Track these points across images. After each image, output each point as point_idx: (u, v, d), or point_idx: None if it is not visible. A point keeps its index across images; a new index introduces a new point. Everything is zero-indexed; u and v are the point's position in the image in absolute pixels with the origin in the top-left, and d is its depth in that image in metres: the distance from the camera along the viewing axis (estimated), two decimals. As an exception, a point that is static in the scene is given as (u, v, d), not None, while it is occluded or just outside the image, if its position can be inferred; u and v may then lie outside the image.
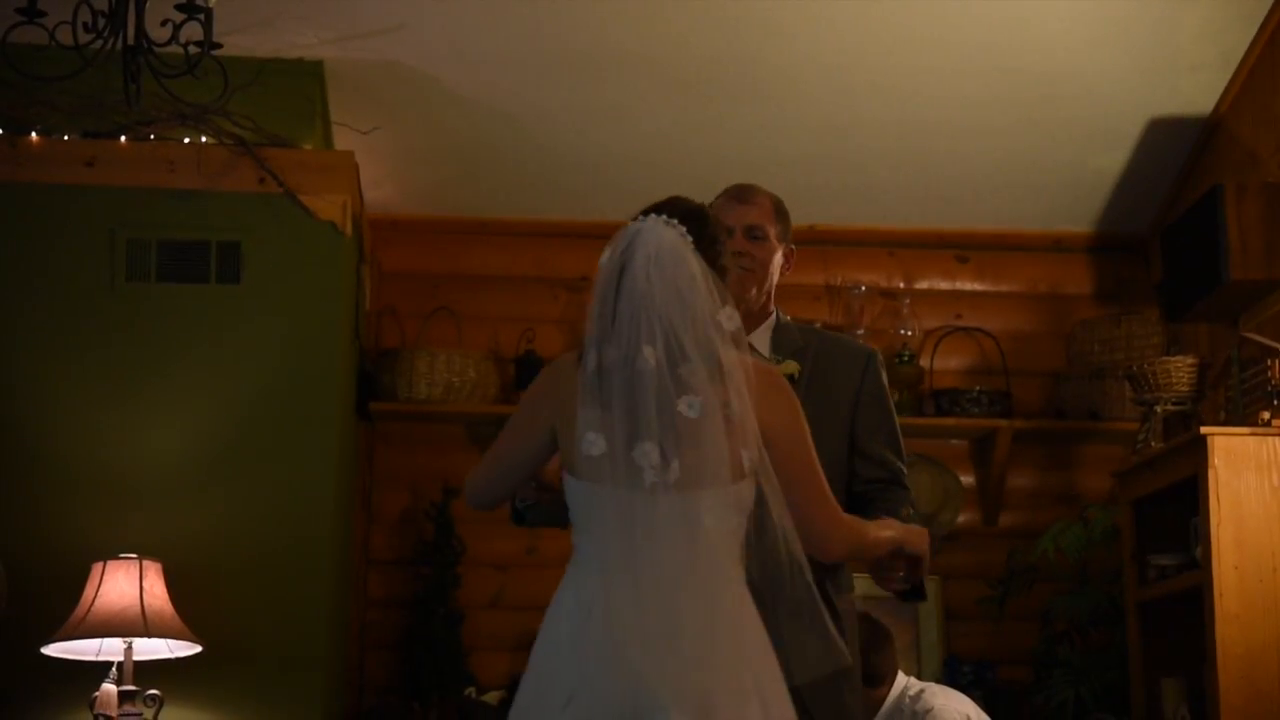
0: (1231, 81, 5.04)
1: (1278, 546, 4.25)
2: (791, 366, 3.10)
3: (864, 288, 5.70)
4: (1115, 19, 4.78)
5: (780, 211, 3.24)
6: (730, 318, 2.47)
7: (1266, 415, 4.40)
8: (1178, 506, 4.57)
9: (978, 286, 5.85)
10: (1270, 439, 4.32)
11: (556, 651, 2.46)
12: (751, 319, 3.17)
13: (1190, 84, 5.07)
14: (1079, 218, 5.73)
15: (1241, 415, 4.70)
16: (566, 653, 2.44)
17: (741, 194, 3.24)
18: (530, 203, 5.73)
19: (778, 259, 3.21)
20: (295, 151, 4.75)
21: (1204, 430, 4.35)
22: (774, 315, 3.22)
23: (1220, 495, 4.28)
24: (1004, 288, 5.84)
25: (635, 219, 2.55)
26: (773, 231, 3.20)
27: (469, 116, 5.24)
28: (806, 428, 2.57)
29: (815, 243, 5.69)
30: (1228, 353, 4.96)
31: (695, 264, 2.48)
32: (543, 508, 2.93)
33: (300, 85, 4.89)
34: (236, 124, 4.62)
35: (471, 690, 5.29)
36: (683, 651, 2.37)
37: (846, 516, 2.64)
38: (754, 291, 3.17)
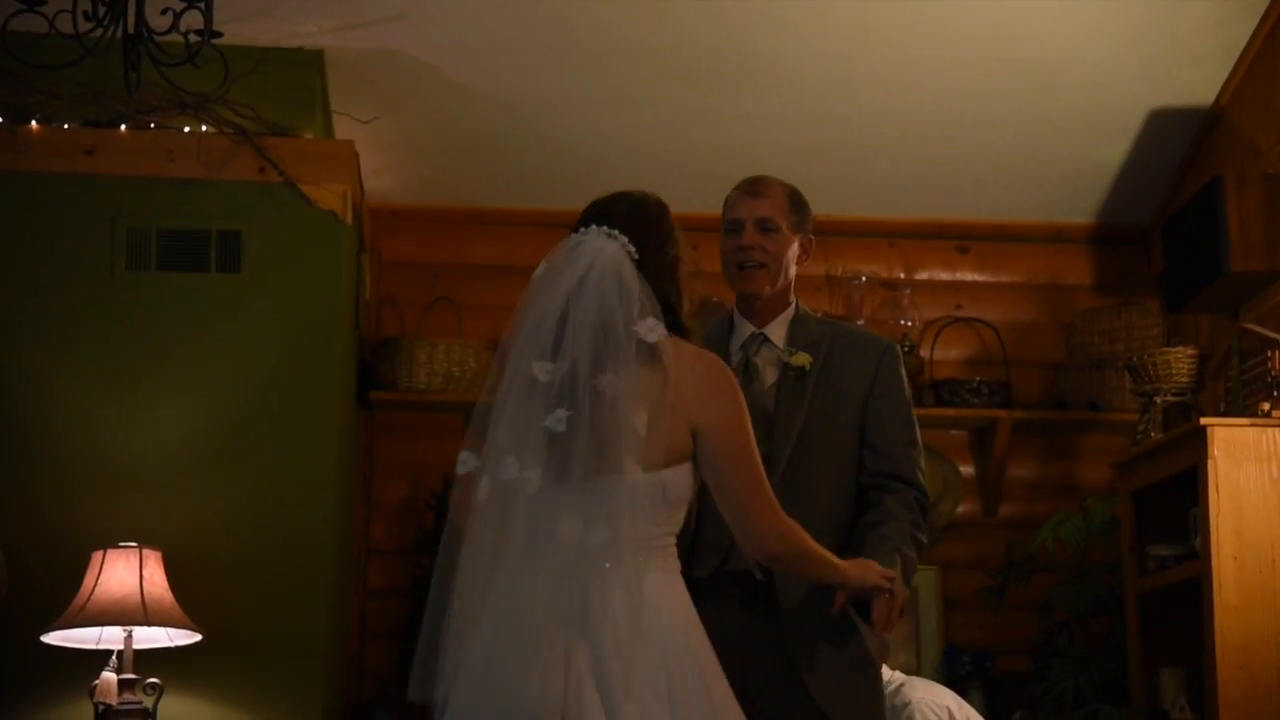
0: (1233, 73, 5.03)
1: (1277, 538, 4.25)
2: (803, 359, 3.09)
3: (864, 278, 5.69)
4: (1116, 10, 4.77)
5: (795, 202, 3.21)
6: (651, 329, 2.46)
7: (1266, 406, 4.40)
8: (1177, 497, 4.57)
9: (978, 277, 5.85)
10: (1270, 430, 4.32)
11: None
12: (769, 310, 3.16)
13: (1191, 75, 5.07)
14: (1079, 209, 5.73)
15: (1241, 406, 4.70)
16: None
17: (753, 187, 3.21)
18: (531, 192, 5.72)
19: (793, 250, 3.18)
20: (295, 141, 4.75)
21: (1204, 421, 4.35)
22: (792, 306, 3.20)
23: (1220, 486, 4.28)
24: (1004, 278, 5.84)
25: (578, 227, 2.59)
26: (785, 223, 3.17)
27: (470, 106, 5.23)
28: (747, 420, 2.56)
29: (815, 233, 5.63)
30: (1228, 344, 4.96)
31: (628, 277, 2.50)
32: None
33: (301, 74, 4.89)
34: (237, 113, 4.62)
35: (471, 679, 5.29)
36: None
37: (788, 520, 2.58)
38: (766, 287, 3.15)
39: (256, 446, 4.62)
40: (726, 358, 3.04)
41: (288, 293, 4.72)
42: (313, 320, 4.74)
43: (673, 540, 2.54)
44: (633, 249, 2.54)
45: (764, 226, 3.16)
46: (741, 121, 5.30)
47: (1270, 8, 4.77)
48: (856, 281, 5.67)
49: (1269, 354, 4.52)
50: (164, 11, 3.87)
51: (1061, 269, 5.84)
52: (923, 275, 5.83)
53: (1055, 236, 5.82)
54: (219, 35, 3.90)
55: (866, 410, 3.10)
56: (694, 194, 5.75)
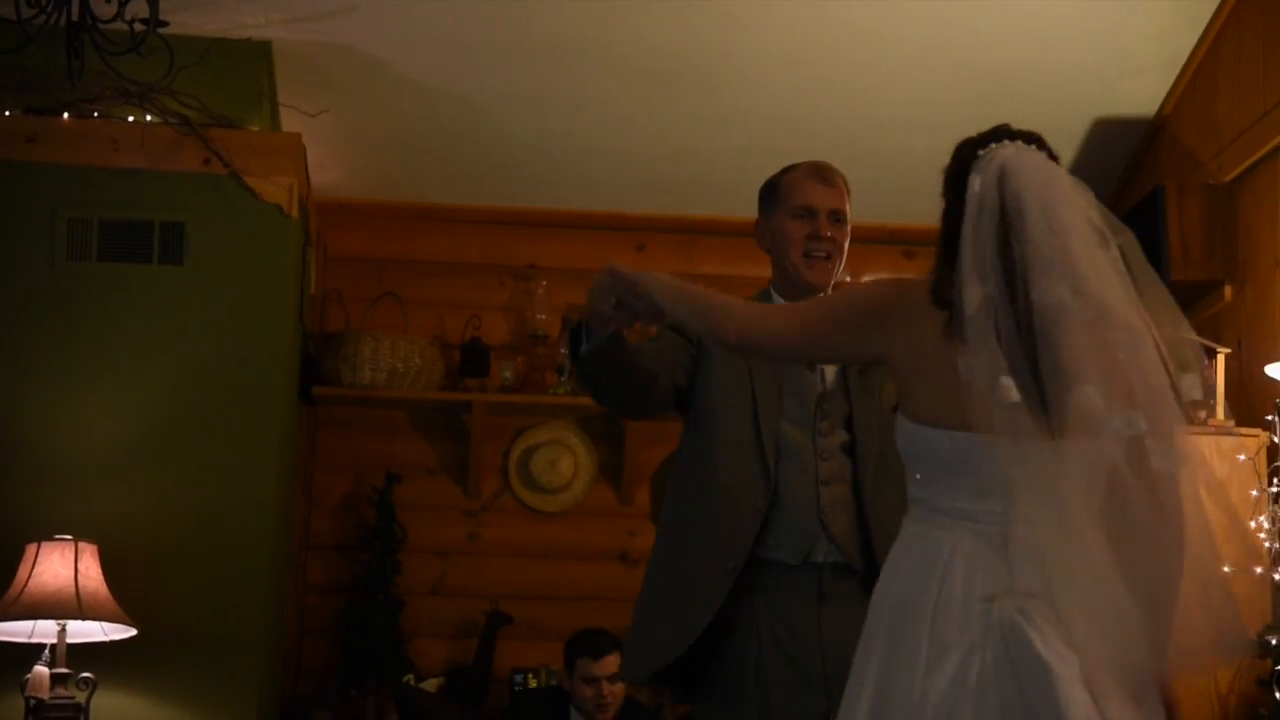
0: (1175, 84, 5.09)
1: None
2: None
3: (810, 281, 5.71)
4: (1062, 19, 4.81)
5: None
6: (1131, 244, 2.33)
7: (1203, 414, 4.44)
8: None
9: (924, 282, 5.88)
10: (1207, 438, 4.36)
11: (922, 611, 2.30)
12: None
13: (1135, 86, 5.12)
14: (1024, 216, 5.76)
15: (1179, 414, 4.74)
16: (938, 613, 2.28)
17: (824, 174, 3.17)
18: (479, 189, 5.71)
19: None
20: (242, 132, 4.71)
21: (1142, 429, 4.38)
22: None
23: (1156, 493, 4.31)
24: (949, 284, 5.87)
25: (983, 148, 2.39)
26: (849, 215, 3.16)
27: (419, 101, 5.21)
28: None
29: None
30: (1167, 352, 5.00)
31: (1071, 185, 2.35)
32: (608, 353, 2.83)
33: (248, 66, 4.85)
34: (182, 103, 4.57)
35: (410, 677, 5.28)
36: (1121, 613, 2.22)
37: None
38: (831, 279, 3.12)
39: (196, 440, 4.58)
40: None
41: (231, 286, 4.68)
42: (256, 314, 4.71)
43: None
44: None
45: (836, 217, 3.14)
46: (691, 122, 5.31)
47: (1213, 21, 4.83)
48: (802, 284, 5.69)
49: (1207, 363, 4.57)
50: (109, -1, 3.85)
51: (1005, 275, 5.88)
52: (870, 279, 5.85)
53: (1000, 243, 5.86)
54: (165, 25, 3.88)
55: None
56: (644, 193, 5.80)
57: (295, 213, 4.75)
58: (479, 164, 5.56)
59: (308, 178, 5.13)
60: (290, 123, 5.05)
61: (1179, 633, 2.28)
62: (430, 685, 5.32)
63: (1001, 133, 2.43)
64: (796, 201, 3.15)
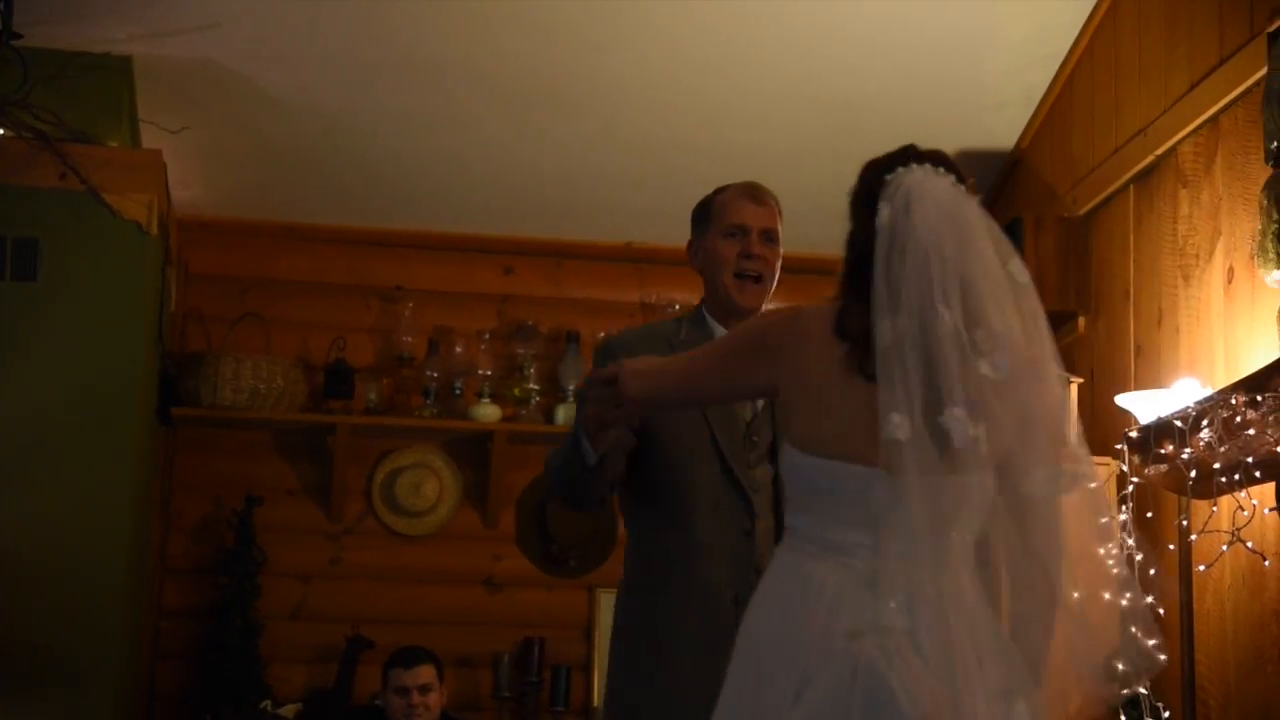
0: (1032, 119, 5.22)
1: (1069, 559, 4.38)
2: None
3: (678, 305, 5.74)
4: (924, 51, 4.91)
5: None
6: (1021, 270, 2.32)
7: (1057, 442, 4.55)
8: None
9: (789, 308, 5.94)
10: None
11: (790, 642, 2.29)
12: None
13: (994, 120, 5.24)
14: (886, 245, 5.86)
15: (1034, 441, 4.85)
16: (802, 644, 2.28)
17: (756, 194, 3.16)
18: (345, 209, 5.66)
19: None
20: (100, 148, 4.61)
21: (998, 455, 4.47)
22: None
23: (1011, 519, 4.39)
24: (813, 310, 5.94)
25: (889, 171, 2.36)
26: (781, 235, 3.15)
27: (284, 119, 5.15)
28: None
29: (631, 260, 5.74)
30: (1023, 381, 5.12)
31: (978, 214, 2.34)
32: (604, 467, 2.79)
33: (107, 81, 4.75)
34: (38, 117, 4.46)
35: (267, 703, 5.20)
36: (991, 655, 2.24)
37: None
38: (762, 301, 3.11)
39: (49, 461, 4.47)
40: None
41: (87, 304, 4.58)
42: (113, 333, 4.61)
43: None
44: None
45: (768, 237, 3.14)
46: (560, 144, 5.32)
47: (1068, 58, 4.97)
48: (670, 309, 5.72)
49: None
50: (-39, 10, 3.75)
51: (868, 303, 5.96)
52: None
53: (863, 271, 5.95)
54: (19, 37, 3.79)
55: None
56: (512, 215, 5.79)
57: (155, 230, 4.67)
58: (345, 183, 5.51)
59: (168, 195, 5.04)
60: (151, 139, 4.96)
61: (1059, 666, 2.33)
62: (288, 711, 5.24)
63: (909, 154, 2.42)
64: (728, 220, 3.16)
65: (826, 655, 2.26)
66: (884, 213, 2.32)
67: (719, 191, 3.24)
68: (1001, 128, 5.28)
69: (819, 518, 2.34)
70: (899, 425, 2.20)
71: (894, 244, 2.29)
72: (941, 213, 2.31)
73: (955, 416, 2.22)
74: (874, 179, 2.41)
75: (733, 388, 2.58)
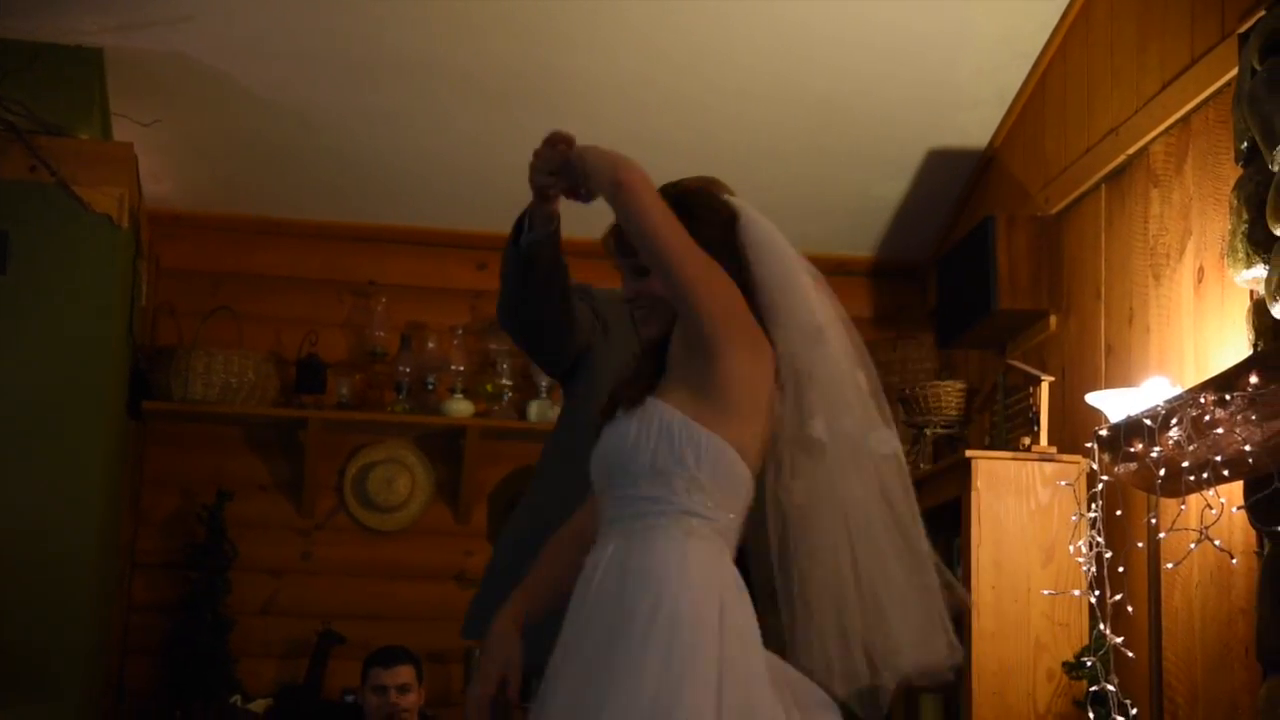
0: (1005, 118, 5.24)
1: (1033, 568, 4.41)
2: None
3: (650, 303, 5.74)
4: (899, 51, 4.92)
5: None
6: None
7: (1027, 440, 4.57)
8: (944, 528, 4.71)
9: (761, 305, 5.95)
10: (1030, 463, 4.48)
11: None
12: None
13: (967, 118, 5.25)
14: (860, 243, 5.89)
15: (1005, 440, 4.87)
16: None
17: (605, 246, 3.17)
18: (318, 204, 5.64)
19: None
20: (71, 141, 4.59)
21: (969, 454, 4.49)
22: None
23: (981, 517, 4.41)
24: (786, 308, 5.94)
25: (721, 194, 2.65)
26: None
27: (257, 113, 5.13)
28: None
29: (600, 257, 5.71)
30: (994, 379, 5.14)
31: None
32: (549, 248, 2.83)
33: (79, 73, 4.73)
34: (8, 109, 4.44)
35: (237, 698, 5.19)
36: None
37: None
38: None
39: (19, 454, 4.44)
40: None
41: (57, 297, 4.55)
42: (84, 326, 4.59)
43: None
44: None
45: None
46: (534, 141, 5.19)
47: (1041, 58, 4.98)
48: (642, 306, 5.73)
49: (1031, 390, 4.70)
50: (-70, 0, 3.72)
51: (842, 301, 5.92)
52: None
53: (837, 269, 5.94)
54: (-10, 28, 3.76)
55: None
56: (486, 211, 5.77)
57: (126, 223, 4.64)
58: (318, 178, 5.50)
59: (140, 188, 5.02)
60: (122, 132, 4.93)
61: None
62: (258, 706, 5.23)
63: (708, 181, 2.66)
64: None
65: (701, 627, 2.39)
66: (750, 231, 2.67)
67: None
68: (974, 127, 5.29)
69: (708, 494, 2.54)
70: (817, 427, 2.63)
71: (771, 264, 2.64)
72: (769, 231, 2.65)
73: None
74: (718, 202, 2.67)
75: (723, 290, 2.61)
